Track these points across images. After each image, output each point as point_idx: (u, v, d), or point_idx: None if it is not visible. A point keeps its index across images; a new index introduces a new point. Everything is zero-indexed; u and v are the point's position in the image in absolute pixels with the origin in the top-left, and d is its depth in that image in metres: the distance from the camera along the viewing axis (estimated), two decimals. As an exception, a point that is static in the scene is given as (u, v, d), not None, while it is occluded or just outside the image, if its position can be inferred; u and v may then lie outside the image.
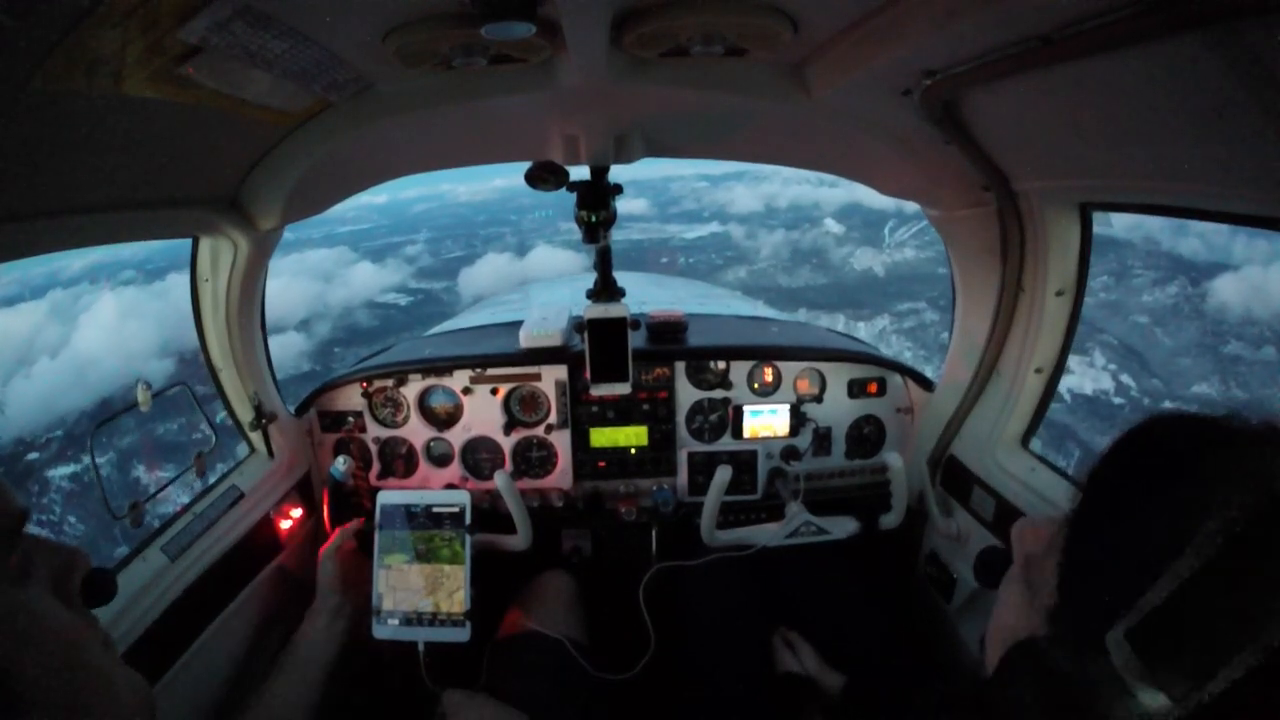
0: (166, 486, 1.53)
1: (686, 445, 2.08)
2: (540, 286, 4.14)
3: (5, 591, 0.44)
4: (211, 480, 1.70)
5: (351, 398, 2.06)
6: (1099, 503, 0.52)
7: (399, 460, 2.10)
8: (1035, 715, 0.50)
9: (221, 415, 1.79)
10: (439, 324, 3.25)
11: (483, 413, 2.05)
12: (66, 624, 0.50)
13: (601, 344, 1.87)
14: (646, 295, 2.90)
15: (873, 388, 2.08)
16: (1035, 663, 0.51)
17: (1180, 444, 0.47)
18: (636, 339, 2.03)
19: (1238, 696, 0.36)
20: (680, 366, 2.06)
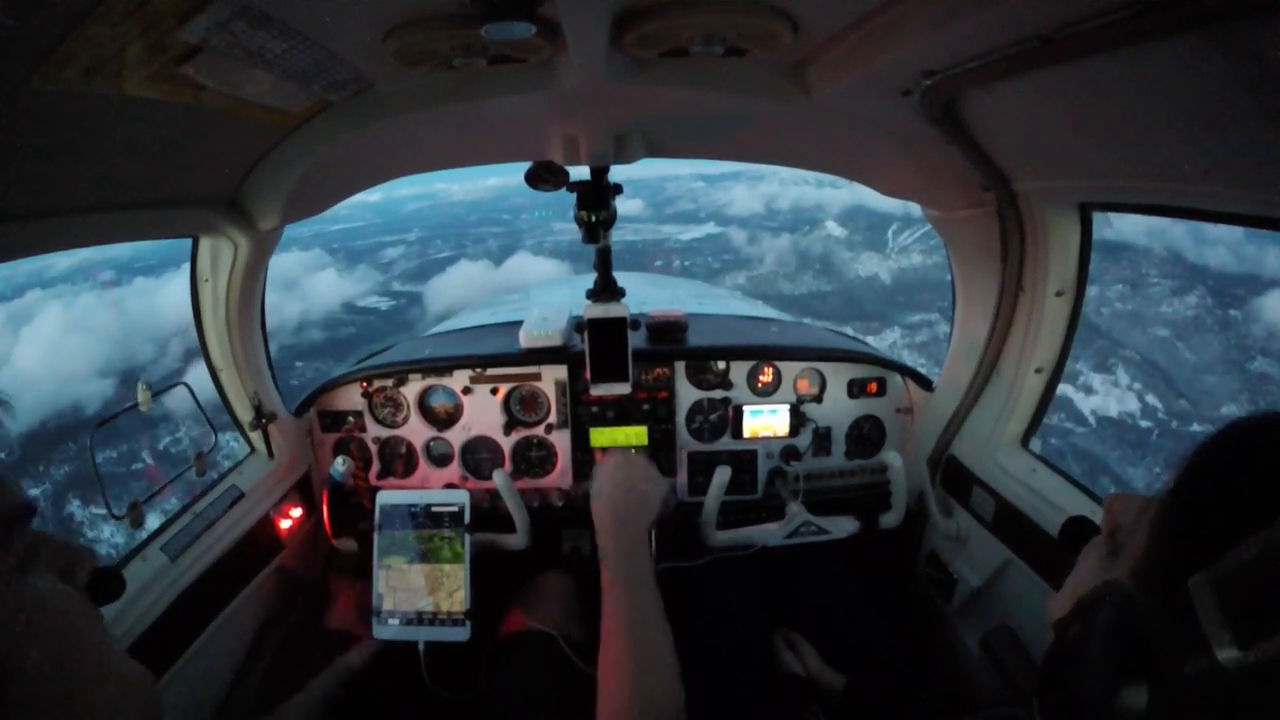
0: (166, 486, 1.53)
1: (686, 445, 2.08)
2: (541, 287, 4.15)
3: (7, 581, 0.45)
4: (211, 480, 1.70)
5: (351, 397, 2.06)
6: (1204, 473, 0.53)
7: (399, 460, 2.09)
8: (1102, 649, 0.51)
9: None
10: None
11: (483, 412, 2.05)
12: (69, 614, 0.50)
13: (601, 344, 1.87)
14: (646, 295, 2.90)
15: (872, 388, 2.08)
16: (1115, 598, 0.53)
17: None
18: (636, 339, 2.03)
19: None
20: (680, 366, 2.06)
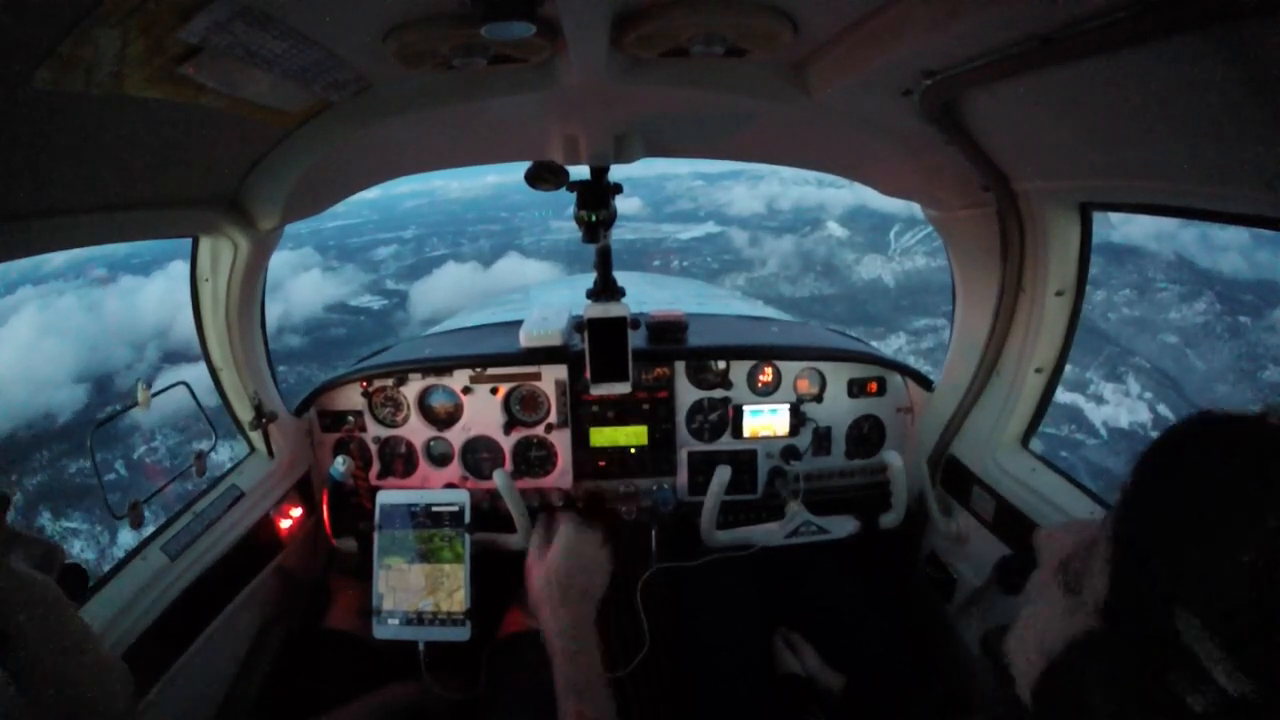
0: (167, 486, 1.53)
1: (686, 445, 2.08)
2: (541, 286, 4.15)
3: None
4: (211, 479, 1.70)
5: (351, 397, 2.06)
6: (1153, 493, 0.52)
7: (399, 460, 2.10)
8: (1104, 709, 0.49)
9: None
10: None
11: (483, 412, 2.05)
12: (51, 593, 0.52)
13: (601, 344, 1.87)
14: (646, 295, 2.90)
15: (873, 387, 2.08)
16: (1100, 655, 0.51)
17: (1233, 442, 0.48)
18: (636, 339, 2.03)
19: None
20: (680, 366, 2.06)
